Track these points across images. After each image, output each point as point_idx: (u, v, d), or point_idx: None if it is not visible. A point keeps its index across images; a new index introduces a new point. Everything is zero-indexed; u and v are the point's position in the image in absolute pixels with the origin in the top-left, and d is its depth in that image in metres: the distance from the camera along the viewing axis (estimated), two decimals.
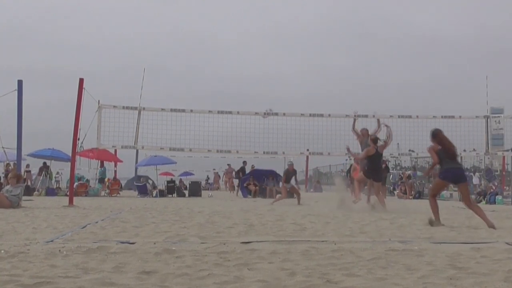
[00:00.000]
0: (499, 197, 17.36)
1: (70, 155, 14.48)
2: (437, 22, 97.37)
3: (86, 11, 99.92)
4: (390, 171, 30.43)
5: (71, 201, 13.44)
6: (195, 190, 23.75)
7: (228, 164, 30.86)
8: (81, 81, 13.82)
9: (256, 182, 23.26)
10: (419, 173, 27.77)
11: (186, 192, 23.96)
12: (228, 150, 18.08)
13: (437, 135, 8.80)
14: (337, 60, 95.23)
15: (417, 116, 17.87)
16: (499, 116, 17.76)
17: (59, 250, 5.05)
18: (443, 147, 8.59)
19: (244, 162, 25.29)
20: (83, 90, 13.79)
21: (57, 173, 30.18)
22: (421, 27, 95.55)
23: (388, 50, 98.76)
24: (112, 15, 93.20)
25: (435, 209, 8.54)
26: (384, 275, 3.94)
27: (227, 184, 31.12)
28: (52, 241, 5.85)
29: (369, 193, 12.77)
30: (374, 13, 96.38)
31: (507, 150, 18.16)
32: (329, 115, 17.80)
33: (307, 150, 19.37)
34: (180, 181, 30.69)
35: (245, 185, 23.63)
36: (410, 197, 22.67)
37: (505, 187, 23.02)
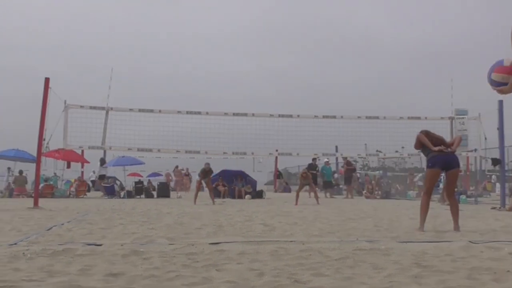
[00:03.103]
0: (463, 197, 17.72)
1: (35, 155, 14.22)
2: (396, 24, 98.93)
3: (53, 11, 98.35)
4: (358, 171, 30.83)
5: (36, 203, 13.22)
6: (164, 191, 23.60)
7: (176, 166, 30.97)
8: (47, 80, 13.59)
9: (224, 183, 23.26)
10: (389, 173, 28.16)
11: (155, 193, 23.80)
12: (197, 150, 18.02)
13: None
14: (290, 62, 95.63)
15: (384, 117, 18.13)
16: (463, 118, 18.14)
17: (23, 253, 4.95)
18: None
19: (314, 160, 23.07)
20: (49, 89, 13.56)
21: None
22: (382, 29, 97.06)
23: (347, 52, 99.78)
24: (77, 16, 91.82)
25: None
26: (351, 274, 3.98)
27: (177, 184, 31.05)
28: (15, 243, 5.72)
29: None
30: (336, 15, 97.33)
31: (471, 151, 18.53)
32: (298, 115, 17.92)
33: (276, 150, 19.45)
34: (149, 182, 30.42)
35: (214, 185, 23.58)
36: (378, 197, 22.96)
37: (469, 187, 23.52)
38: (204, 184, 18.06)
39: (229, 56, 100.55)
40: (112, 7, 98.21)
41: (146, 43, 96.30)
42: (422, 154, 8.47)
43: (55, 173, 27.46)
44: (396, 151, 22.14)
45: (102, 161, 25.72)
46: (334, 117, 17.71)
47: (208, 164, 17.09)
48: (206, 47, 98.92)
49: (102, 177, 24.71)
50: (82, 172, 28.82)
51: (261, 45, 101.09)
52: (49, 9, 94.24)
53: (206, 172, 16.68)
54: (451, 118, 18.10)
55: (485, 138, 17.37)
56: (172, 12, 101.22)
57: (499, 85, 3.09)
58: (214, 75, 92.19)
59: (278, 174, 34.13)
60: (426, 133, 7.89)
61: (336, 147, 21.30)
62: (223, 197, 22.14)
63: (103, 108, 16.18)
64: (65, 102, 15.20)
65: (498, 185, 23.73)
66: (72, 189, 23.67)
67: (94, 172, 28.22)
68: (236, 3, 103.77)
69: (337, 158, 30.26)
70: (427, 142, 7.63)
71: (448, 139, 8.28)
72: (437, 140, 7.77)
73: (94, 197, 22.31)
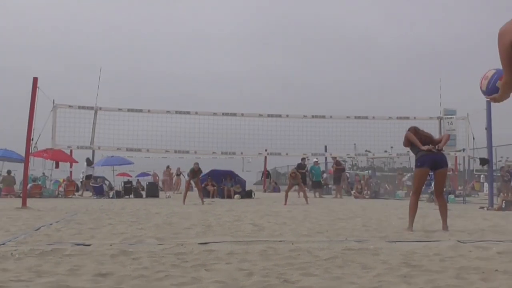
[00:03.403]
0: (451, 196, 17.82)
1: (24, 155, 14.12)
2: (396, 25, 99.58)
3: (40, 10, 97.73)
4: (347, 171, 30.92)
5: (24, 203, 13.13)
6: (153, 191, 23.53)
7: (167, 166, 31.18)
8: (35, 80, 13.49)
9: (214, 182, 23.23)
10: (378, 173, 28.26)
11: (144, 193, 23.71)
12: (186, 150, 18.01)
13: None
14: (290, 62, 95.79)
15: (373, 117, 18.22)
16: (451, 117, 18.27)
17: (11, 253, 4.92)
18: None
19: (303, 160, 23.15)
20: (37, 89, 13.47)
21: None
22: (374, 30, 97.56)
23: (346, 52, 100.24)
24: (65, 14, 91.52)
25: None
26: (340, 274, 3.99)
27: (165, 184, 31.17)
28: (3, 244, 5.68)
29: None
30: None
31: (459, 151, 18.66)
32: (287, 115, 17.95)
33: (265, 150, 19.47)
34: (138, 182, 30.32)
35: (203, 185, 23.54)
36: (366, 196, 23.03)
37: (458, 187, 23.66)
38: (193, 184, 18.02)
39: (229, 56, 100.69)
40: (112, 7, 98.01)
41: (146, 43, 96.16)
42: (411, 154, 8.48)
43: (43, 173, 27.28)
44: (385, 151, 22.27)
45: (89, 161, 25.58)
46: (323, 117, 17.77)
47: (197, 164, 17.07)
48: (206, 47, 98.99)
49: (89, 177, 24.57)
50: (71, 172, 28.62)
51: (261, 45, 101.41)
52: (49, 9, 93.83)
53: (195, 172, 16.67)
54: (440, 118, 18.23)
55: (473, 138, 17.50)
56: (172, 12, 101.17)
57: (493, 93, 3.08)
58: (214, 75, 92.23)
59: (267, 174, 34.14)
60: (415, 131, 7.90)
61: (325, 147, 21.35)
62: (212, 197, 22.10)
63: (91, 108, 16.12)
64: (53, 102, 15.12)
65: (486, 184, 23.87)
66: (61, 189, 23.53)
67: (83, 173, 28.11)
68: (236, 3, 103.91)
69: (326, 158, 30.32)
70: (416, 141, 7.65)
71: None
72: (426, 138, 7.79)
73: (83, 197, 22.20)
